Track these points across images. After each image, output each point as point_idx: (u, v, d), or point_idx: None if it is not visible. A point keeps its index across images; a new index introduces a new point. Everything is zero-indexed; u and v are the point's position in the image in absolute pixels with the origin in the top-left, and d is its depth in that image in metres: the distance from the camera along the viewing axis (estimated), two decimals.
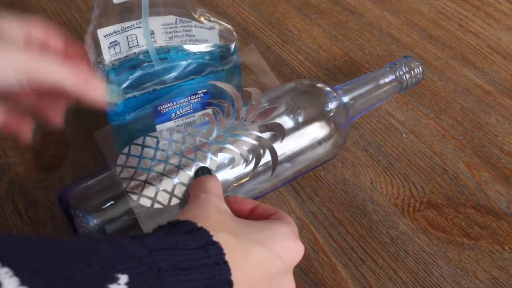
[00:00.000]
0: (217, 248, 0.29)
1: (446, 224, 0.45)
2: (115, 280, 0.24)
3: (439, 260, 0.43)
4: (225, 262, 0.29)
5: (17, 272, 0.21)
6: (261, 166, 0.41)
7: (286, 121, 0.42)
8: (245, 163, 0.40)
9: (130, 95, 0.40)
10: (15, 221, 0.46)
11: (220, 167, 0.39)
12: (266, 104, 0.43)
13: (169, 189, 0.38)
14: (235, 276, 0.29)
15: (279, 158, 0.41)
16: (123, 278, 0.24)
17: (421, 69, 0.50)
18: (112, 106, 0.36)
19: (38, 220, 0.46)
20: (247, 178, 0.41)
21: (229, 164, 0.40)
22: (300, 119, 0.43)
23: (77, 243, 0.26)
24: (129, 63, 0.40)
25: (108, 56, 0.39)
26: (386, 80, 0.49)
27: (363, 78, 0.49)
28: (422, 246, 0.44)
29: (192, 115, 0.43)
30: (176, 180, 0.38)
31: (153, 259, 0.26)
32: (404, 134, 0.52)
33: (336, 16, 0.65)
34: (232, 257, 0.29)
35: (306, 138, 0.43)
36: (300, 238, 0.44)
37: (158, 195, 0.37)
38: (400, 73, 0.49)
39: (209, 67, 0.42)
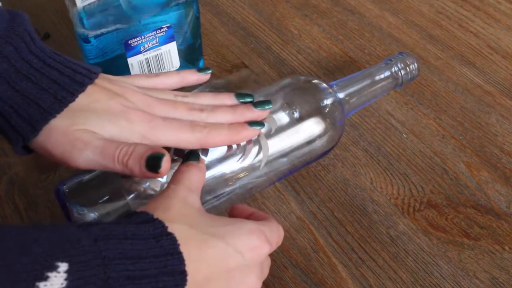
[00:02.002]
0: (171, 239, 0.29)
1: (446, 224, 0.45)
2: (54, 268, 0.24)
3: (439, 260, 0.43)
4: (179, 253, 0.29)
5: None
6: (254, 157, 0.41)
7: (282, 117, 0.42)
8: (237, 153, 0.40)
9: (102, 30, 0.47)
10: (15, 221, 0.46)
11: (212, 156, 0.40)
12: (261, 100, 0.43)
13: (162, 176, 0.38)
14: (189, 267, 0.29)
15: (275, 153, 0.42)
16: (63, 266, 0.24)
17: (416, 66, 0.50)
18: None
19: (38, 220, 0.46)
20: (241, 170, 0.41)
21: (221, 154, 0.40)
22: (296, 114, 0.43)
23: (21, 231, 0.25)
24: (99, 7, 0.47)
25: (80, 1, 0.46)
26: (382, 76, 0.49)
27: (359, 74, 0.49)
28: (422, 246, 0.44)
29: (159, 47, 0.50)
30: None
31: (98, 247, 0.26)
32: (404, 134, 0.52)
33: (336, 16, 0.65)
34: (187, 249, 0.29)
35: (301, 133, 0.43)
36: (300, 238, 0.44)
37: (151, 182, 0.38)
38: (396, 69, 0.49)
39: (169, 4, 0.49)
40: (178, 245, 0.29)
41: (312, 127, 0.43)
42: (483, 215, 0.46)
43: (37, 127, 0.34)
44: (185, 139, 0.37)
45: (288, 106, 0.43)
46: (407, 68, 0.50)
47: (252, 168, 0.41)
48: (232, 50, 0.61)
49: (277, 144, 0.42)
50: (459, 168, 0.49)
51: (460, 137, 0.52)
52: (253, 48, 0.61)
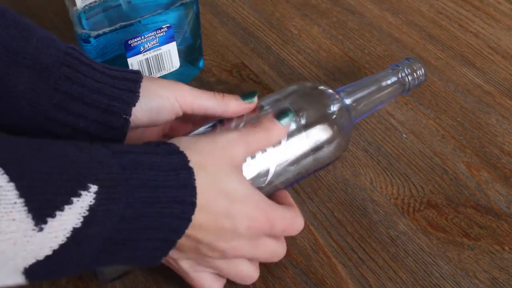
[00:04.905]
0: (189, 173, 0.33)
1: (446, 224, 0.45)
2: (86, 188, 0.29)
3: (439, 260, 0.43)
4: (194, 187, 0.33)
5: (7, 171, 0.26)
6: (260, 167, 0.41)
7: None
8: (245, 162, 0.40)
9: (102, 30, 0.48)
10: None
11: None
12: (268, 107, 0.42)
13: None
14: (199, 201, 0.33)
15: (282, 160, 0.41)
16: (93, 188, 0.29)
17: (423, 71, 0.50)
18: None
19: None
20: (249, 180, 0.40)
21: None
22: (303, 121, 0.42)
23: (63, 151, 0.30)
24: (99, 7, 0.48)
25: (80, 2, 0.47)
26: (389, 82, 0.49)
27: (366, 80, 0.49)
28: (422, 246, 0.44)
29: (159, 48, 0.51)
30: None
31: (125, 176, 0.31)
32: (404, 134, 0.52)
33: (336, 16, 0.65)
34: (201, 185, 0.33)
35: (308, 140, 0.42)
36: (300, 238, 0.44)
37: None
38: (403, 75, 0.49)
39: (169, 4, 0.50)
40: (194, 179, 0.33)
41: (319, 134, 0.43)
42: (483, 215, 0.46)
43: (137, 83, 0.39)
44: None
45: (295, 113, 0.42)
46: (414, 73, 0.49)
47: (258, 178, 0.41)
48: (232, 50, 0.61)
49: (284, 152, 0.41)
50: (459, 168, 0.49)
51: (460, 137, 0.52)
52: (253, 48, 0.61)
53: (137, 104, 0.39)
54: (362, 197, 0.47)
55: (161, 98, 0.39)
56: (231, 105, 0.41)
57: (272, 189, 0.43)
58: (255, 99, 0.41)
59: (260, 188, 0.41)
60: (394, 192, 0.48)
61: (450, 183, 0.48)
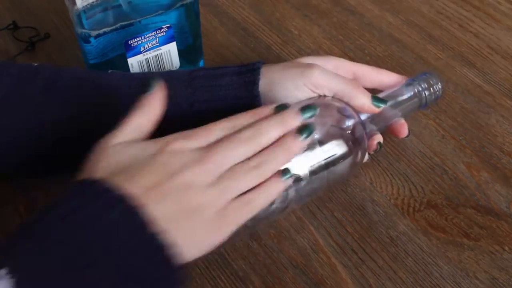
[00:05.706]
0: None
1: (446, 224, 0.45)
2: None
3: (439, 260, 0.43)
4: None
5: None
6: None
7: None
8: None
9: (102, 30, 0.48)
10: (15, 221, 0.46)
11: None
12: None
13: None
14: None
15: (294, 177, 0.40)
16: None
17: (440, 86, 0.48)
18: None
19: None
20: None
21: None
22: (317, 136, 0.40)
23: None
24: (99, 7, 0.48)
25: (80, 1, 0.47)
26: (405, 97, 0.47)
27: (381, 95, 0.47)
28: (422, 246, 0.44)
29: (159, 48, 0.51)
30: None
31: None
32: None
33: (336, 16, 0.65)
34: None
35: (322, 156, 0.41)
36: (300, 238, 0.44)
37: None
38: (419, 89, 0.47)
39: (169, 5, 0.50)
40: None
41: (334, 150, 0.41)
42: (483, 215, 0.46)
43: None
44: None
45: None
46: (431, 88, 0.48)
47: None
48: (232, 50, 0.61)
49: (298, 167, 0.39)
50: (459, 168, 0.49)
51: (460, 137, 0.52)
52: (253, 48, 0.61)
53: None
54: (362, 197, 0.47)
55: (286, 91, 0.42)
56: (365, 100, 0.43)
57: (286, 210, 0.42)
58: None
59: (275, 206, 0.39)
60: (394, 192, 0.48)
61: (450, 183, 0.48)
